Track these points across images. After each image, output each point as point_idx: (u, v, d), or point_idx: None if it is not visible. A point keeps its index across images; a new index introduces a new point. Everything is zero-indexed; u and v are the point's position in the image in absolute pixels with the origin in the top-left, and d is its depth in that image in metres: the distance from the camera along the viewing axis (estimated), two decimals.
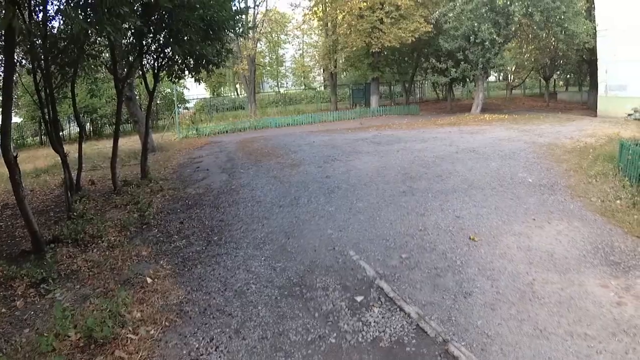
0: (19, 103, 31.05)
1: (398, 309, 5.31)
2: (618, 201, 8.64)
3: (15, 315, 5.68)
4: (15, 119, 32.93)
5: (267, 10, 35.93)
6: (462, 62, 26.02)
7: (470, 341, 4.64)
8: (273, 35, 47.94)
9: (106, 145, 21.37)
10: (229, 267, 6.75)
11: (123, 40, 11.41)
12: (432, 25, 27.39)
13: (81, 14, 7.66)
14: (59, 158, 10.45)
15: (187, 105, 36.56)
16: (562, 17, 22.72)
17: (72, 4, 8.03)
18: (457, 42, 25.70)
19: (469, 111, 28.18)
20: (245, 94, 39.19)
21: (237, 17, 12.58)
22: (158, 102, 32.42)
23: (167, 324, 5.25)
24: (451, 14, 25.29)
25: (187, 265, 6.98)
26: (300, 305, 5.55)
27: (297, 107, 39.48)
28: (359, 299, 5.59)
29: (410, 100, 38.67)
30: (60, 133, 16.37)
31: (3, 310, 5.79)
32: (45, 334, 4.90)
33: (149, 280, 6.38)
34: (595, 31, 23.65)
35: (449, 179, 10.84)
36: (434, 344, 4.65)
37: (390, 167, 12.35)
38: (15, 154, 7.68)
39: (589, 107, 28.18)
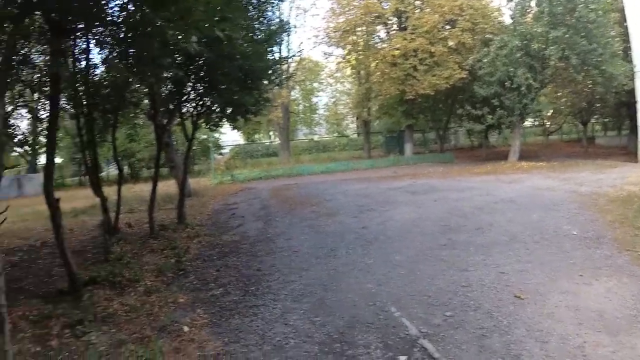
0: (60, 144, 31.95)
1: None
2: None
3: (50, 355, 5.58)
4: (56, 159, 33.79)
5: (301, 59, 36.62)
6: (498, 109, 25.66)
7: None
8: (307, 83, 48.78)
9: (143, 188, 21.79)
10: (267, 320, 6.56)
11: (163, 89, 11.70)
12: (466, 72, 27.32)
13: (125, 64, 7.89)
14: (97, 200, 10.66)
15: (222, 151, 37.05)
16: (599, 59, 22.43)
17: (116, 54, 8.27)
18: (493, 88, 25.37)
19: (504, 159, 27.58)
20: (278, 141, 39.65)
21: (275, 67, 12.81)
22: (195, 147, 33.01)
23: None
24: (485, 60, 25.19)
25: (225, 315, 6.84)
26: None
27: (330, 155, 39.69)
28: (402, 358, 5.30)
29: (444, 147, 38.25)
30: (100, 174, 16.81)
31: (38, 348, 5.70)
32: None
33: (185, 328, 6.26)
34: (634, 72, 23.20)
35: (490, 231, 10.51)
36: None
37: (427, 218, 12.09)
38: (57, 198, 7.79)
39: (629, 152, 27.10)
